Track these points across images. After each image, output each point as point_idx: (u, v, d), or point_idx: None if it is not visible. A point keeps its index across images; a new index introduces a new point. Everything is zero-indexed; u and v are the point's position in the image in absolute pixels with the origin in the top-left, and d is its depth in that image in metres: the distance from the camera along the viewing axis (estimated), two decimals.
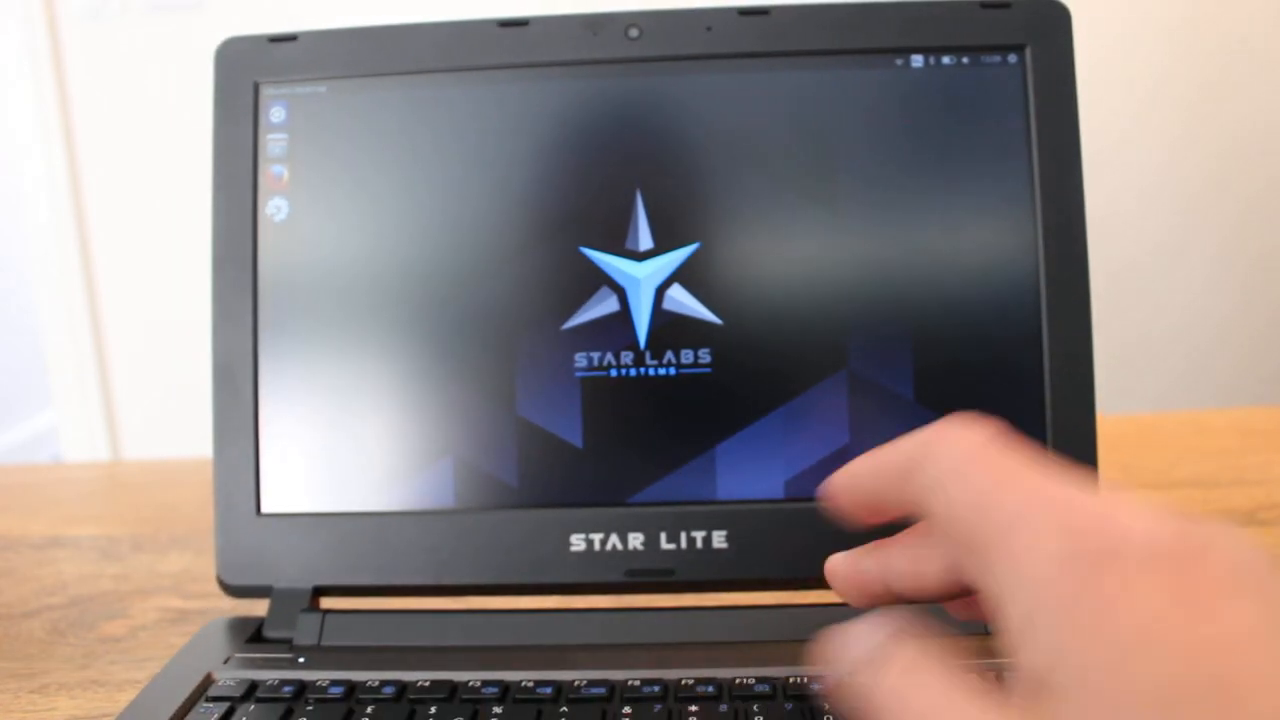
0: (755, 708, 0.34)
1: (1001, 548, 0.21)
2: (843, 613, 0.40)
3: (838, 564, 0.29)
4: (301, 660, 0.39)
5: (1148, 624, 0.18)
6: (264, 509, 0.42)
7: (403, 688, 0.36)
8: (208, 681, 0.38)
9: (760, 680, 0.35)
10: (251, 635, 0.41)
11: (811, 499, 0.41)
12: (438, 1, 1.13)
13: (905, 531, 0.27)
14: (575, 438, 0.41)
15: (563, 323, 0.42)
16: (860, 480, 0.27)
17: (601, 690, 0.36)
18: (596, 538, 0.41)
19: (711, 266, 0.41)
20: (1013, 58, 0.42)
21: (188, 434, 1.44)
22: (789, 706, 0.34)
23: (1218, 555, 0.19)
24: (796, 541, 0.40)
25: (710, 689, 0.35)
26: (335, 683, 0.37)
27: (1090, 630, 0.19)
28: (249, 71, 0.43)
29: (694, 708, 0.34)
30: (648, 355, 0.41)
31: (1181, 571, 0.19)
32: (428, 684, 0.36)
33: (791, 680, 0.35)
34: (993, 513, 0.21)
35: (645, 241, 0.42)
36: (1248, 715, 0.17)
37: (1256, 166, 1.58)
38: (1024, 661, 0.20)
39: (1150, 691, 0.17)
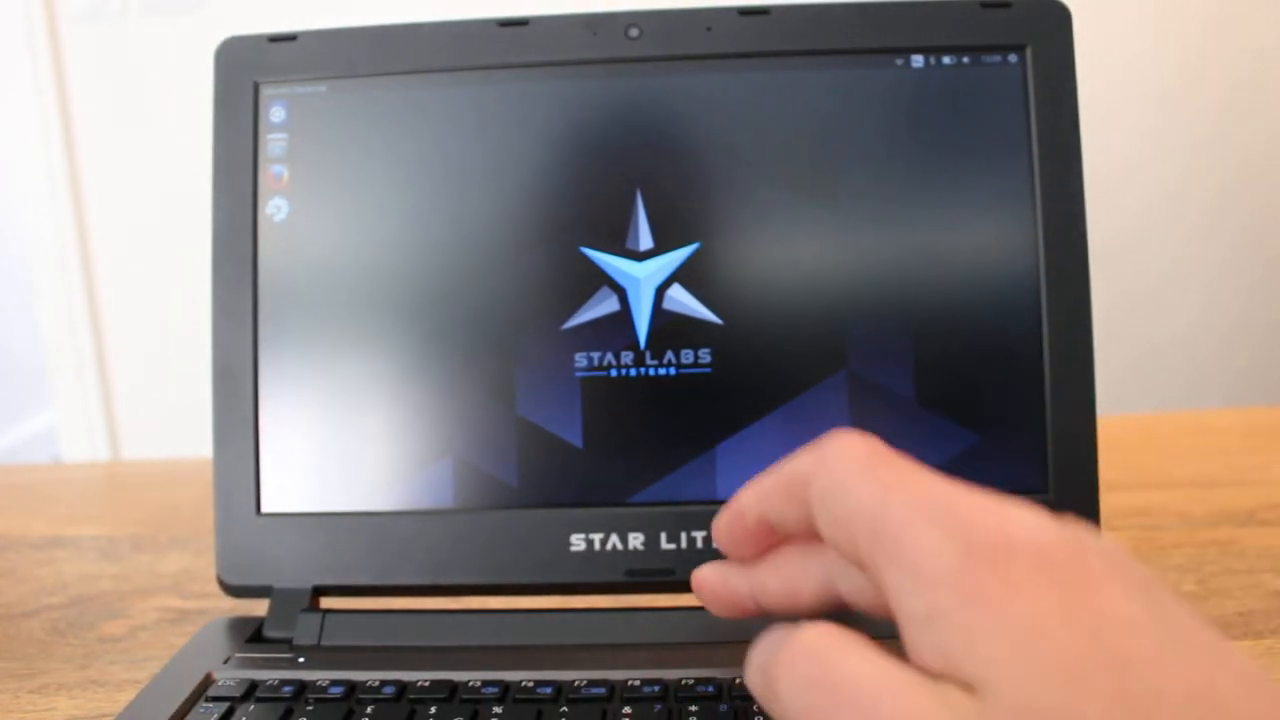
0: (755, 708, 0.34)
1: (897, 549, 0.23)
2: (841, 615, 0.40)
3: (705, 576, 0.31)
4: (301, 660, 0.39)
5: (1047, 610, 0.21)
6: (264, 509, 0.42)
7: (403, 688, 0.36)
8: (208, 681, 0.38)
9: None
10: (251, 635, 0.41)
11: None
12: (438, 1, 1.13)
13: (775, 553, 0.29)
14: (575, 438, 0.41)
15: (563, 323, 0.42)
16: (754, 503, 0.28)
17: (601, 690, 0.36)
18: (596, 538, 0.41)
19: (711, 266, 0.41)
20: (1013, 57, 0.42)
21: (188, 434, 1.44)
22: None
23: (1094, 552, 0.22)
24: None
25: (710, 689, 0.35)
26: (335, 683, 0.37)
27: (996, 619, 0.21)
28: (249, 71, 0.43)
29: (694, 708, 0.34)
30: (648, 355, 0.41)
31: (1067, 566, 0.21)
32: (428, 684, 0.36)
33: None
34: (887, 517, 0.23)
35: (645, 241, 0.42)
36: (1144, 686, 0.19)
37: (1266, 168, 1.58)
38: (929, 654, 0.22)
39: (1059, 666, 0.20)
